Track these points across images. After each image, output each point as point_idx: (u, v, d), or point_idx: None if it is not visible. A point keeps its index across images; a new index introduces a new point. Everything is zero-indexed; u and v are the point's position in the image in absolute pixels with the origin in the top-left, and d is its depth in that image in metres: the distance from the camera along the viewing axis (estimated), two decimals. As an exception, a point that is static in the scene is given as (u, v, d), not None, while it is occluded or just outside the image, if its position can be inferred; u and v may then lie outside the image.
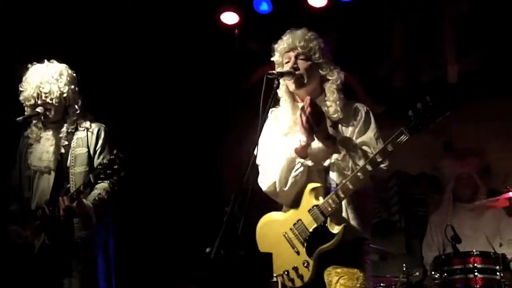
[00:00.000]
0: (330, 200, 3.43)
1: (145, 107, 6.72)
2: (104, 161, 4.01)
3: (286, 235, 3.57)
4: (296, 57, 3.58)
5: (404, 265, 5.27)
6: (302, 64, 3.58)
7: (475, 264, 4.91)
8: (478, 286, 4.85)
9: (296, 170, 3.52)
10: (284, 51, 3.63)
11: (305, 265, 3.48)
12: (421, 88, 6.61)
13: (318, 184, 3.52)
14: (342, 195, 3.41)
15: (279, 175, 3.55)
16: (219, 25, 6.97)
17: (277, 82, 3.36)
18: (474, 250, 5.04)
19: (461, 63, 6.56)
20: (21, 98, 4.29)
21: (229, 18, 6.96)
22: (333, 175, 3.50)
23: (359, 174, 3.36)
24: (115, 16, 6.38)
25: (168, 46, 6.85)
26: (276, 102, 3.58)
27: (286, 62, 3.61)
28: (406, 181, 6.51)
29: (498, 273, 4.87)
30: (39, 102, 4.23)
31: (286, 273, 3.51)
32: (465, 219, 5.84)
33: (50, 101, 4.23)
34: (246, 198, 3.18)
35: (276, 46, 3.69)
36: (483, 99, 6.23)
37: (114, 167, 3.92)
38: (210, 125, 7.30)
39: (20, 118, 4.25)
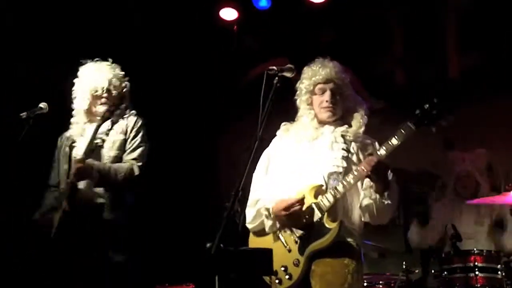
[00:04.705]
0: (328, 195, 3.43)
1: (142, 104, 6.66)
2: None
3: (278, 231, 3.55)
4: (331, 91, 3.66)
5: (404, 262, 5.24)
6: (337, 100, 3.68)
7: (476, 263, 4.86)
8: (478, 285, 4.79)
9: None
10: (318, 81, 3.69)
11: (295, 263, 3.47)
12: (423, 84, 6.58)
13: (319, 184, 3.52)
14: (342, 190, 3.42)
15: (254, 213, 3.62)
16: (218, 21, 6.95)
17: (277, 79, 3.34)
18: (474, 249, 4.99)
19: (463, 59, 6.54)
20: (89, 87, 4.33)
21: (228, 14, 6.94)
22: (334, 182, 3.52)
23: (362, 167, 3.40)
24: (113, 12, 6.35)
25: (166, 43, 6.82)
26: (276, 98, 3.57)
27: (322, 93, 3.68)
28: (405, 178, 6.48)
29: (499, 272, 4.82)
30: (105, 94, 4.34)
31: (274, 273, 3.48)
32: (468, 217, 5.72)
33: (117, 95, 4.39)
34: (246, 194, 3.17)
35: (305, 74, 3.75)
36: (484, 95, 6.21)
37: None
38: (206, 121, 7.27)
39: (24, 113, 4.26)
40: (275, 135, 3.86)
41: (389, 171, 3.48)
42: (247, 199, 3.63)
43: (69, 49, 5.81)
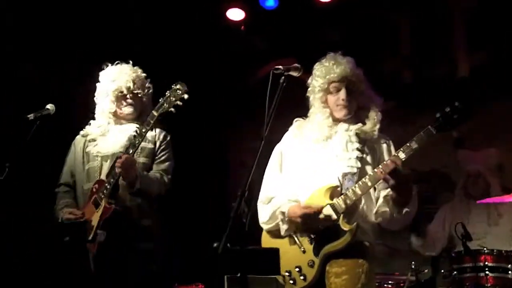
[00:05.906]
0: (344, 197, 3.41)
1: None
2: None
3: (293, 233, 3.52)
4: (346, 88, 3.61)
5: (413, 262, 5.21)
6: (352, 98, 3.64)
7: (486, 263, 4.82)
8: (489, 285, 4.77)
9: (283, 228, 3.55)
10: (332, 80, 3.62)
11: (310, 264, 3.44)
12: (431, 83, 6.54)
13: (335, 184, 3.50)
14: (359, 192, 3.40)
15: (269, 213, 3.60)
16: (225, 21, 6.93)
17: (283, 78, 3.31)
18: (485, 248, 4.95)
19: (472, 58, 6.50)
20: (112, 88, 4.34)
21: (235, 14, 6.92)
22: (348, 183, 3.49)
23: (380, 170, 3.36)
24: (119, 11, 6.35)
25: (174, 43, 6.81)
26: (284, 96, 3.55)
27: (337, 92, 3.63)
28: (415, 178, 6.42)
29: (510, 272, 4.78)
30: (130, 95, 4.36)
31: (288, 273, 3.47)
32: (477, 218, 5.63)
33: (142, 97, 4.42)
34: (253, 194, 3.14)
35: (318, 71, 3.69)
36: (494, 94, 6.16)
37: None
38: (215, 121, 7.26)
39: (31, 115, 4.23)
40: (285, 130, 3.83)
41: (414, 186, 3.45)
42: (254, 198, 3.60)
43: (69, 49, 5.81)
